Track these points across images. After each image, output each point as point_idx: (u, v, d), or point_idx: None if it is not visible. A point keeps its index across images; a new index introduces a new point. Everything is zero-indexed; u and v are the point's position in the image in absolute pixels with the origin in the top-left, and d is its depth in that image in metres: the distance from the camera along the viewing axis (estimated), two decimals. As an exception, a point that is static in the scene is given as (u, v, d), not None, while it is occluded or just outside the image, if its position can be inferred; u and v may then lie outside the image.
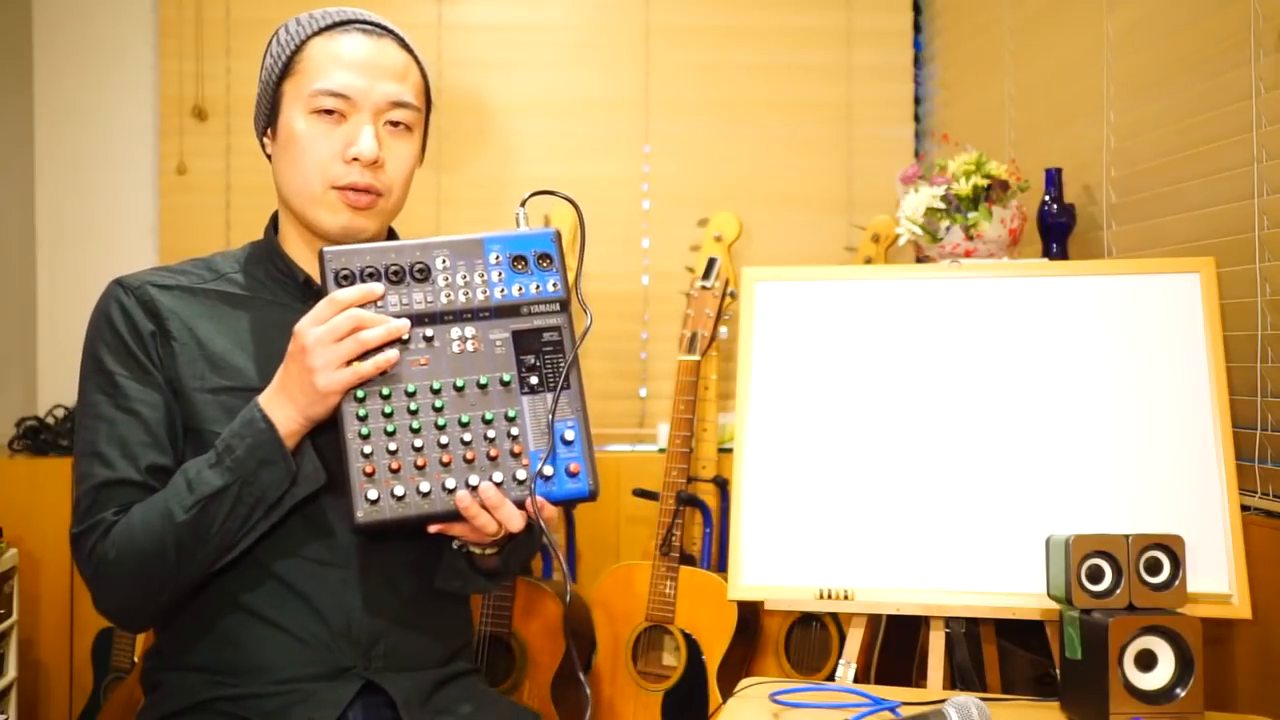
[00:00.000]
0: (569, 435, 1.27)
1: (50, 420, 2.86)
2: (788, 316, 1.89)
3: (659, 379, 3.03)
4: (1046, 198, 2.21)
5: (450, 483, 1.24)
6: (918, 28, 3.13)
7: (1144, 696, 1.34)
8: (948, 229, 2.12)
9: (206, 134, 3.03)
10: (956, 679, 2.04)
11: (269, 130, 1.42)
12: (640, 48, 3.08)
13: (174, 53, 3.03)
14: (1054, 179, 2.21)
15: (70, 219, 3.05)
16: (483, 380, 1.27)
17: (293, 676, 1.33)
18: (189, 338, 1.37)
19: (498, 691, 1.59)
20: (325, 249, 1.27)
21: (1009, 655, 2.06)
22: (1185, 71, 1.94)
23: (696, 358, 2.51)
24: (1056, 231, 2.21)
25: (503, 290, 1.29)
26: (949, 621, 1.89)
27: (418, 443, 1.24)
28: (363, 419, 1.23)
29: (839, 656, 1.85)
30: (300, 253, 1.43)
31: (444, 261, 1.28)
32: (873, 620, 2.09)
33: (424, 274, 1.27)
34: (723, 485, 2.56)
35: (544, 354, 1.29)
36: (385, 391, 1.24)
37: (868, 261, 2.63)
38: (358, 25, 1.38)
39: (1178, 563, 1.40)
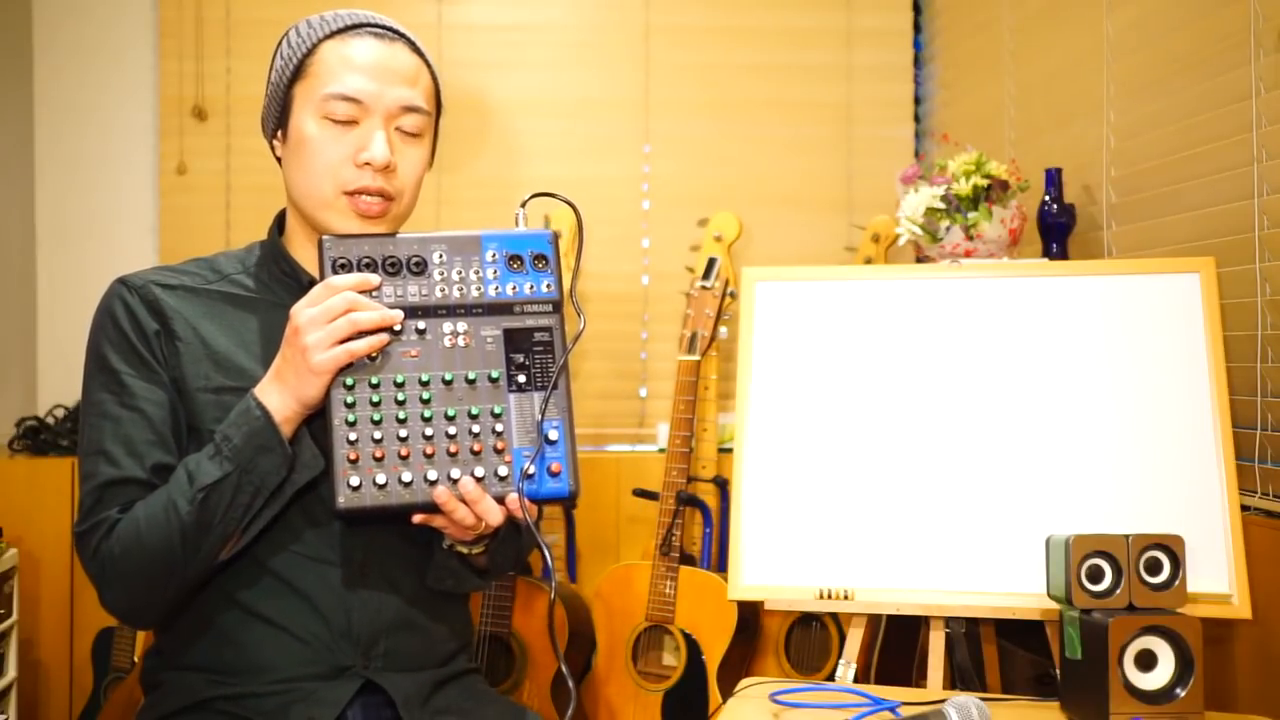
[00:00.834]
0: (553, 435, 1.28)
1: (50, 420, 2.86)
2: (788, 316, 1.89)
3: (659, 379, 3.03)
4: (1046, 198, 2.21)
5: (432, 474, 1.25)
6: (918, 28, 3.13)
7: (1144, 696, 1.34)
8: (948, 229, 2.12)
9: (206, 134, 3.03)
10: (956, 679, 2.04)
11: (279, 132, 1.41)
12: (640, 48, 3.08)
13: (174, 53, 3.03)
14: (1054, 179, 2.21)
15: (70, 219, 3.05)
16: (471, 375, 1.28)
17: (292, 676, 1.33)
18: (193, 337, 1.37)
19: (498, 691, 1.59)
20: (325, 237, 1.29)
21: (1009, 655, 2.06)
22: (1185, 71, 1.94)
23: (696, 358, 2.51)
24: (1056, 231, 2.21)
25: (497, 288, 1.30)
26: (949, 621, 1.89)
27: (403, 433, 1.25)
28: (350, 406, 1.25)
29: (839, 656, 1.85)
30: (306, 255, 1.43)
31: (441, 256, 1.30)
32: (873, 620, 2.09)
33: (420, 267, 1.29)
34: (723, 485, 2.57)
35: (534, 353, 1.30)
36: (374, 380, 1.26)
37: (868, 261, 2.63)
38: (369, 29, 1.38)
39: (1178, 563, 1.40)
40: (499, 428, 1.27)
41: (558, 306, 1.32)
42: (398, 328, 1.27)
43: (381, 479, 1.24)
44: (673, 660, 2.41)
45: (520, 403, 1.28)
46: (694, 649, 2.36)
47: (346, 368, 1.25)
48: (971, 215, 2.10)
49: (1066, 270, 1.86)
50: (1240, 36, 1.77)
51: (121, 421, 1.33)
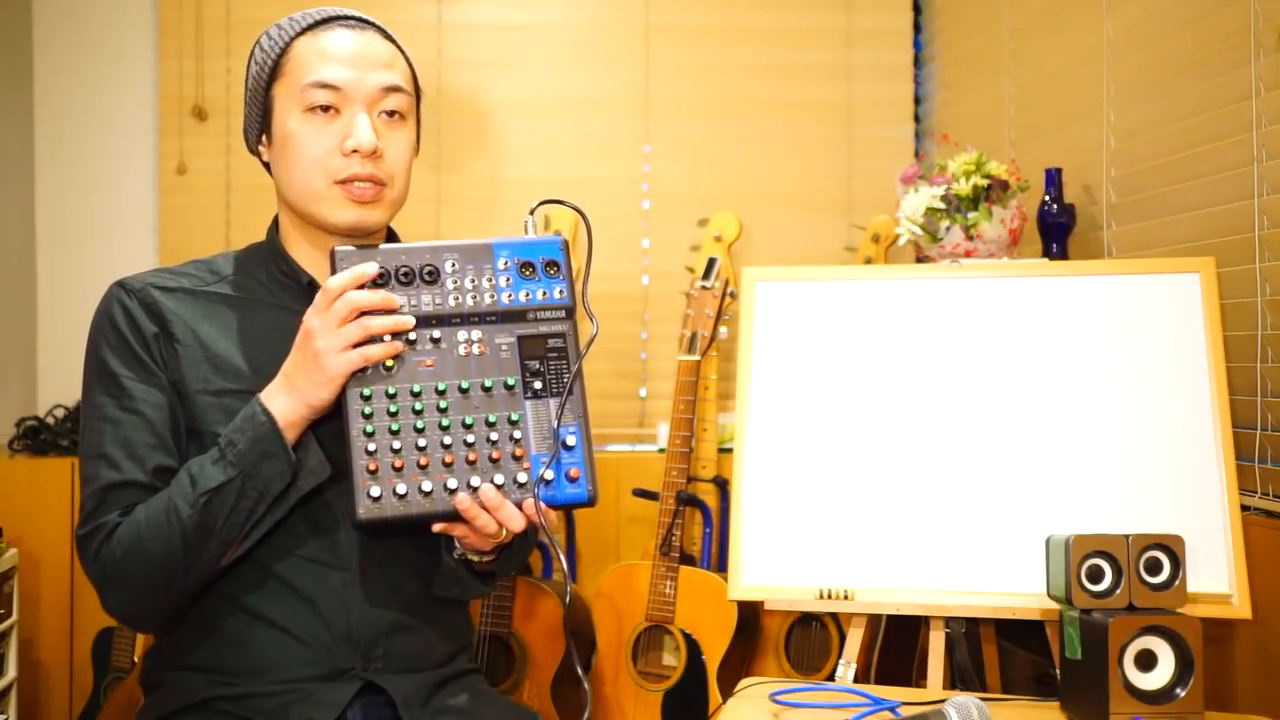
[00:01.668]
0: (570, 440, 1.28)
1: (50, 420, 2.86)
2: (788, 316, 1.89)
3: (659, 379, 3.04)
4: (1046, 198, 2.21)
5: (452, 483, 1.25)
6: (918, 28, 3.13)
7: (1144, 696, 1.34)
8: (948, 229, 2.12)
9: (206, 134, 3.03)
10: (956, 679, 2.04)
11: (263, 137, 1.42)
12: (640, 48, 3.08)
13: (174, 53, 3.03)
14: (1054, 179, 2.21)
15: (70, 219, 3.05)
16: (487, 383, 1.28)
17: (293, 677, 1.33)
18: (192, 340, 1.37)
19: (498, 691, 1.59)
20: (336, 248, 1.28)
21: (1009, 655, 2.06)
22: (1185, 71, 1.94)
23: (696, 358, 2.51)
24: (1056, 231, 2.21)
25: (510, 295, 1.30)
26: (949, 621, 1.89)
27: (421, 442, 1.25)
28: (368, 416, 1.25)
29: (839, 656, 1.85)
30: (304, 255, 1.43)
31: (453, 265, 1.30)
32: (873, 620, 2.09)
33: (433, 276, 1.29)
34: (723, 485, 2.57)
35: (548, 360, 1.30)
36: (391, 390, 1.26)
37: (868, 261, 2.63)
38: (340, 21, 1.39)
39: (1178, 563, 1.40)
40: (516, 435, 1.27)
41: (570, 312, 1.32)
42: (412, 337, 1.26)
43: (401, 489, 1.24)
44: (673, 660, 2.41)
45: (536, 409, 1.28)
46: (694, 649, 2.36)
47: (363, 378, 1.25)
48: (971, 215, 2.10)
49: (1066, 270, 1.86)
50: (1240, 36, 1.77)
51: (122, 424, 1.33)
